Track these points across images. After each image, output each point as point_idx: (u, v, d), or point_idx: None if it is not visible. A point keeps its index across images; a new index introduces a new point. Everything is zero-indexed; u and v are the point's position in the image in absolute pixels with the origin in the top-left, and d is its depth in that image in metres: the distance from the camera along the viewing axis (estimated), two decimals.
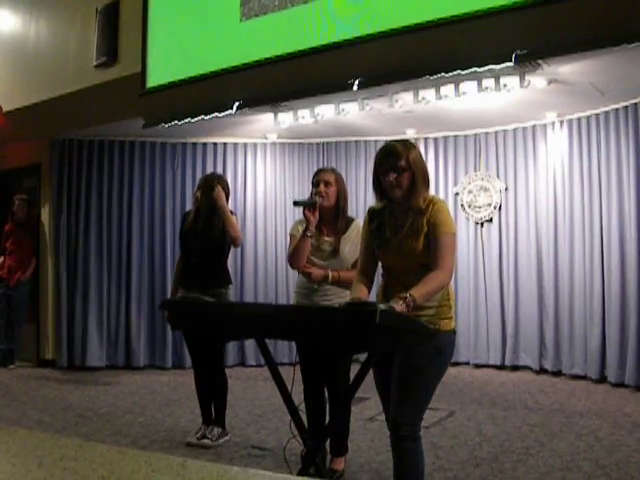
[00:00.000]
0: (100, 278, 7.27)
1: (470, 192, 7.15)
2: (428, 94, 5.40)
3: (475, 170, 7.20)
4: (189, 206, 6.47)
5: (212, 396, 4.43)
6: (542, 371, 6.59)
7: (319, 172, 3.75)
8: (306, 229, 3.56)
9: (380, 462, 3.87)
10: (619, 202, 5.94)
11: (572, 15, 4.10)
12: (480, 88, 5.15)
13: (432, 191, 6.95)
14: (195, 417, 4.76)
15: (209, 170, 7.04)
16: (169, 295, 5.07)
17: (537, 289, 6.69)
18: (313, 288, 3.63)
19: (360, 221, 3.27)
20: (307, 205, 3.57)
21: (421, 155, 2.83)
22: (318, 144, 7.65)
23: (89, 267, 7.24)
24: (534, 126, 6.76)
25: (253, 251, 7.47)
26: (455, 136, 7.27)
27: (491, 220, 7.09)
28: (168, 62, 6.02)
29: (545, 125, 6.68)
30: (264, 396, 5.66)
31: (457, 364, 6.84)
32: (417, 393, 2.64)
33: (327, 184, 3.64)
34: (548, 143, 6.67)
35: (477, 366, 6.99)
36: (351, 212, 3.92)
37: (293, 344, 5.71)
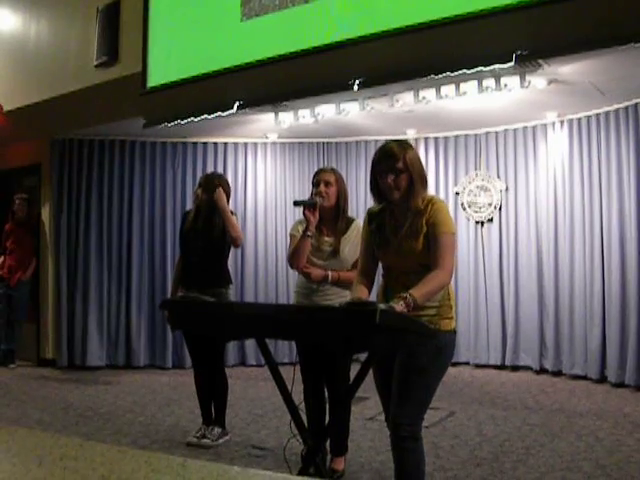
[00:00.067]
0: (100, 278, 7.27)
1: (470, 192, 7.15)
2: (429, 94, 5.41)
3: (475, 170, 7.20)
4: (189, 206, 6.46)
5: (212, 396, 4.43)
6: (542, 371, 6.60)
7: (319, 172, 3.74)
8: (306, 229, 3.56)
9: (380, 462, 3.87)
10: (619, 202, 5.94)
11: (572, 15, 4.10)
12: (481, 88, 5.15)
13: (432, 191, 7.07)
14: (195, 417, 4.75)
15: (209, 170, 7.04)
16: (169, 295, 5.07)
17: (537, 289, 6.69)
18: (313, 288, 3.63)
19: (360, 221, 3.27)
20: (307, 205, 3.57)
21: (418, 155, 2.82)
22: (318, 144, 7.65)
23: (89, 267, 7.24)
24: (534, 126, 6.76)
25: (253, 251, 7.47)
26: (455, 136, 7.27)
27: (491, 220, 7.09)
28: (169, 62, 6.01)
29: (545, 125, 6.67)
30: (264, 396, 5.66)
31: (457, 364, 6.84)
32: (418, 393, 2.64)
33: (327, 184, 3.64)
34: (548, 143, 6.67)
35: (477, 366, 6.99)
36: (351, 212, 3.92)
37: (293, 344, 5.71)
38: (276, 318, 2.47)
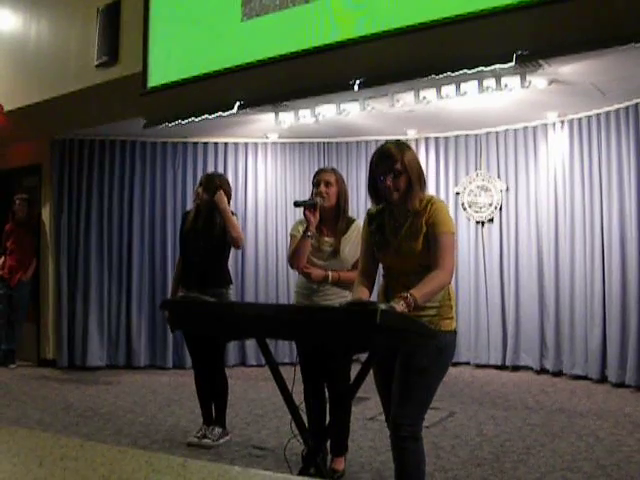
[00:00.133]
0: (101, 278, 7.27)
1: (471, 192, 7.15)
2: (429, 94, 5.41)
3: (476, 170, 7.19)
4: (190, 206, 6.46)
5: (212, 396, 4.43)
6: (543, 371, 6.59)
7: (320, 172, 3.74)
8: (306, 229, 3.56)
9: (381, 462, 3.87)
10: (620, 202, 5.94)
11: (573, 15, 4.10)
12: (481, 88, 5.16)
13: (433, 191, 7.07)
14: (196, 417, 4.75)
15: (210, 170, 7.04)
16: (169, 295, 5.06)
17: (538, 289, 6.69)
18: (313, 288, 3.62)
19: (360, 221, 3.26)
20: (307, 205, 3.57)
21: (416, 156, 2.82)
22: (319, 144, 7.65)
23: (90, 267, 7.24)
24: (535, 126, 6.76)
25: (254, 251, 7.47)
26: (456, 136, 7.27)
27: (492, 220, 7.09)
28: (169, 62, 6.02)
29: (546, 125, 6.67)
30: (265, 396, 5.66)
31: (458, 364, 6.84)
32: (418, 393, 2.64)
33: (328, 184, 3.64)
34: (549, 143, 6.67)
35: (478, 366, 6.99)
36: (351, 212, 3.92)
37: (294, 344, 5.71)
38: (276, 318, 2.47)
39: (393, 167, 2.68)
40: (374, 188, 2.79)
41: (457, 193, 7.26)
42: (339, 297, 3.54)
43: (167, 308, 3.23)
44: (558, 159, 6.58)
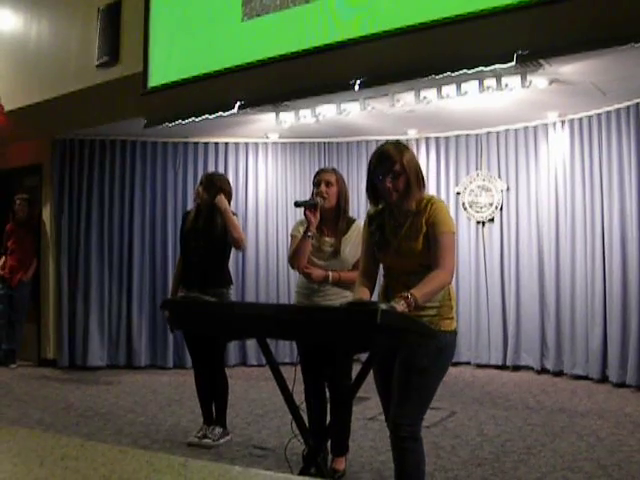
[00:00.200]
0: (101, 278, 7.27)
1: (471, 192, 7.15)
2: (430, 94, 5.40)
3: (476, 170, 7.19)
4: (190, 206, 6.47)
5: (213, 396, 4.43)
6: (543, 371, 6.59)
7: (320, 172, 3.74)
8: (307, 230, 3.56)
9: (381, 462, 3.87)
10: (621, 202, 5.94)
11: (574, 15, 4.10)
12: (482, 88, 5.16)
13: (433, 191, 7.07)
14: (196, 417, 4.75)
15: (210, 170, 7.04)
16: (169, 295, 5.06)
17: (538, 289, 6.68)
18: (314, 288, 3.62)
19: (361, 221, 3.26)
20: (308, 206, 3.56)
21: (414, 156, 2.81)
22: (319, 144, 7.65)
23: (90, 267, 7.24)
24: (535, 126, 6.76)
25: (254, 251, 7.47)
26: (457, 136, 7.27)
27: (492, 220, 7.09)
28: (170, 62, 6.02)
29: (547, 125, 6.67)
30: (265, 396, 5.66)
31: (458, 364, 6.84)
32: (418, 394, 2.64)
33: (328, 184, 3.64)
34: (550, 143, 6.67)
35: (478, 366, 6.99)
36: (352, 212, 3.92)
37: (294, 344, 5.71)
38: (277, 318, 2.47)
39: (392, 168, 2.68)
40: (372, 189, 2.79)
41: (458, 193, 7.26)
42: (340, 297, 3.54)
43: (168, 308, 3.23)
44: (559, 159, 6.58)
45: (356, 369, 2.56)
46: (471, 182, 7.17)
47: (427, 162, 7.31)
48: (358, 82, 4.98)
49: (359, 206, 7.05)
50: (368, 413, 4.95)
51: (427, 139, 7.38)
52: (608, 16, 4.03)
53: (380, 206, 2.85)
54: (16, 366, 7.16)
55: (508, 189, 7.00)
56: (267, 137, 7.50)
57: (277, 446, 4.17)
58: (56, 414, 5.16)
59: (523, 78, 5.00)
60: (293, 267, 3.72)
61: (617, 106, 5.97)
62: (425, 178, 2.83)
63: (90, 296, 7.21)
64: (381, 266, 2.88)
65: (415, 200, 2.71)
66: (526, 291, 6.77)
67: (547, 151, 6.69)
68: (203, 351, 4.40)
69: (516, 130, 6.91)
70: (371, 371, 2.51)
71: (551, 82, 5.21)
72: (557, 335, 6.50)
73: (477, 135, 7.16)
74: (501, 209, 7.03)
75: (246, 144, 7.59)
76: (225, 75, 5.63)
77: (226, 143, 7.55)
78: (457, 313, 3.08)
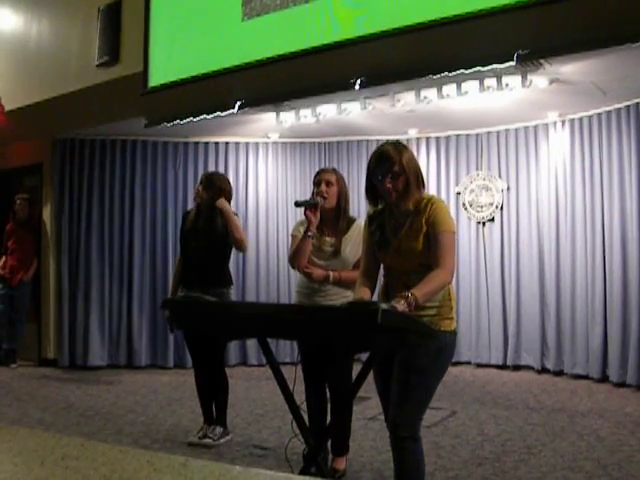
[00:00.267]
0: (102, 277, 7.27)
1: (472, 192, 7.15)
2: (430, 93, 5.40)
3: (477, 170, 7.19)
4: (190, 205, 6.46)
5: (213, 396, 4.43)
6: (544, 370, 6.59)
7: (320, 172, 3.74)
8: (307, 230, 3.55)
9: (382, 462, 3.87)
10: (621, 201, 5.94)
11: (574, 15, 4.10)
12: (482, 88, 5.15)
13: (434, 191, 7.08)
14: (197, 416, 4.75)
15: (211, 170, 7.03)
16: (169, 295, 5.05)
17: (539, 288, 6.68)
18: (314, 288, 3.62)
19: (361, 221, 3.26)
20: (308, 205, 3.56)
21: (414, 156, 2.81)
22: (320, 143, 7.65)
23: (91, 266, 7.24)
24: (536, 126, 6.76)
25: (255, 251, 7.46)
26: (457, 135, 7.27)
27: (493, 220, 7.09)
28: (170, 61, 6.02)
29: (547, 125, 6.67)
30: (266, 395, 5.66)
31: (459, 363, 6.84)
32: (417, 394, 2.64)
33: (328, 184, 3.63)
34: (550, 143, 6.67)
35: (479, 365, 6.99)
36: (352, 212, 3.91)
37: (295, 343, 5.71)
38: (278, 318, 2.47)
39: (392, 169, 2.68)
40: (372, 189, 2.79)
41: (458, 193, 7.26)
42: (340, 297, 3.54)
43: (168, 308, 3.24)
44: (559, 158, 6.58)
45: (356, 369, 2.56)
46: (471, 182, 7.17)
47: (427, 162, 7.31)
48: (358, 82, 4.98)
49: (359, 206, 7.05)
50: (368, 413, 4.95)
51: (427, 139, 7.38)
52: (608, 16, 4.03)
53: (379, 206, 2.85)
54: (16, 366, 7.16)
55: (508, 189, 7.00)
56: (268, 137, 7.49)
57: (277, 446, 4.17)
58: (57, 414, 5.16)
59: (523, 78, 5.00)
60: (294, 267, 3.72)
61: (617, 106, 5.97)
62: (425, 178, 2.83)
63: (90, 296, 7.21)
64: (381, 266, 2.88)
65: (413, 200, 2.71)
66: (526, 291, 6.77)
67: (547, 151, 6.69)
68: (203, 351, 4.40)
69: (516, 130, 6.90)
70: (371, 371, 2.51)
71: (551, 82, 5.21)
72: (557, 335, 6.50)
73: (477, 135, 7.16)
74: (501, 209, 7.03)
75: (246, 144, 7.59)
76: (225, 75, 5.63)
77: (226, 143, 7.55)
78: (457, 313, 3.09)
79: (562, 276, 6.51)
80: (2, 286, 7.23)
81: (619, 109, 5.98)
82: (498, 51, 4.43)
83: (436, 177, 7.33)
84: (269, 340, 2.68)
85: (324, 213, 3.60)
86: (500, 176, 7.05)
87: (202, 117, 5.91)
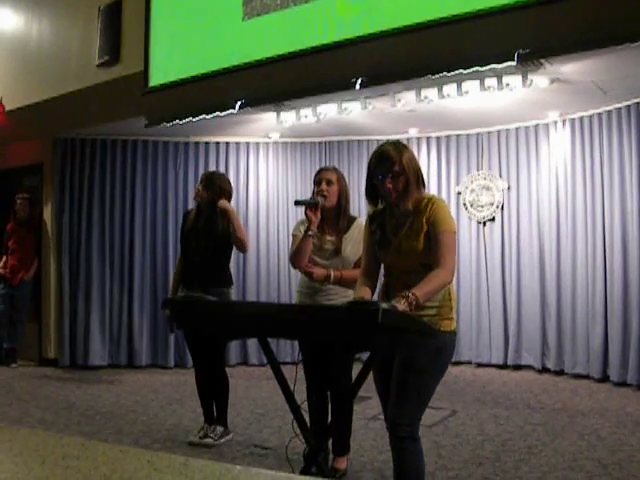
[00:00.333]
0: (102, 277, 7.27)
1: (472, 191, 7.15)
2: (430, 93, 5.40)
3: (477, 169, 7.19)
4: (191, 205, 6.46)
5: (214, 395, 4.43)
6: (544, 370, 6.59)
7: (321, 171, 3.74)
8: (308, 229, 3.55)
9: (382, 461, 3.87)
10: (621, 201, 5.94)
11: (574, 14, 4.09)
12: (482, 87, 5.15)
13: (434, 190, 7.08)
14: (197, 416, 4.75)
15: (211, 169, 7.03)
16: (169, 294, 5.05)
17: (539, 288, 6.68)
18: (316, 288, 3.62)
19: (362, 220, 3.26)
20: (309, 204, 3.56)
21: (414, 156, 2.81)
22: (320, 143, 7.65)
23: (91, 266, 7.25)
24: (536, 125, 6.76)
25: (255, 250, 7.46)
26: (457, 135, 7.27)
27: (493, 219, 7.09)
28: (170, 61, 6.02)
29: (547, 124, 6.67)
30: (266, 395, 5.66)
31: (459, 363, 6.85)
32: (416, 393, 2.64)
33: (329, 183, 3.63)
34: (550, 142, 6.67)
35: (479, 365, 6.99)
36: (353, 211, 3.91)
37: (295, 343, 5.71)
38: (278, 317, 2.47)
39: (392, 169, 2.68)
40: (372, 189, 2.79)
41: (459, 192, 7.26)
42: (341, 296, 3.54)
43: (169, 307, 3.24)
44: (560, 158, 6.58)
45: (357, 369, 2.56)
46: (472, 181, 7.17)
47: (428, 161, 7.31)
48: (359, 81, 4.98)
49: (360, 205, 7.05)
50: (369, 413, 4.95)
51: (428, 138, 7.38)
52: (609, 15, 4.03)
53: (380, 206, 2.85)
54: (17, 365, 7.16)
55: (509, 188, 7.00)
56: (268, 137, 7.49)
57: (278, 445, 4.18)
58: (57, 413, 5.16)
59: (524, 77, 5.00)
60: (294, 266, 3.72)
61: (618, 105, 5.96)
62: (426, 178, 2.83)
63: (91, 295, 7.21)
64: (382, 265, 2.88)
65: (414, 200, 2.71)
66: (527, 290, 6.77)
67: (548, 150, 6.69)
68: (204, 350, 4.40)
69: (517, 129, 6.90)
70: (371, 372, 2.51)
71: (552, 81, 5.21)
72: (558, 334, 6.50)
73: (478, 134, 7.16)
74: (502, 208, 7.03)
75: (247, 144, 7.59)
76: (226, 75, 5.63)
77: (227, 142, 7.55)
78: (458, 312, 3.09)
79: (563, 276, 6.51)
80: (3, 286, 7.23)
81: (619, 109, 5.97)
82: (498, 51, 4.43)
83: (437, 177, 7.33)
84: (270, 340, 2.68)
85: (325, 212, 3.60)
86: (501, 176, 7.05)
87: (202, 117, 5.91)
